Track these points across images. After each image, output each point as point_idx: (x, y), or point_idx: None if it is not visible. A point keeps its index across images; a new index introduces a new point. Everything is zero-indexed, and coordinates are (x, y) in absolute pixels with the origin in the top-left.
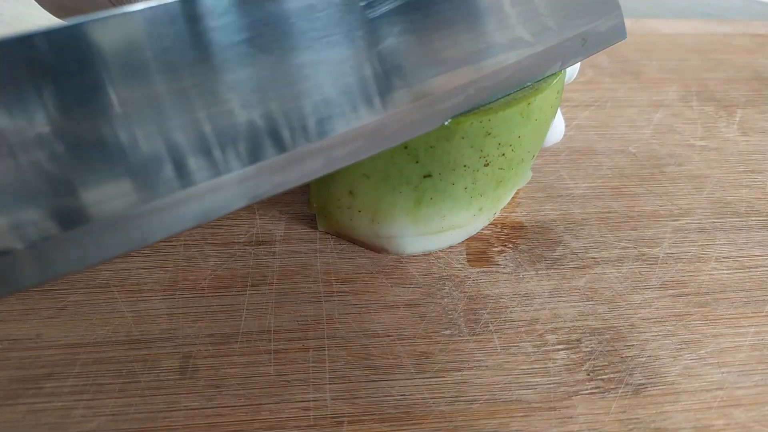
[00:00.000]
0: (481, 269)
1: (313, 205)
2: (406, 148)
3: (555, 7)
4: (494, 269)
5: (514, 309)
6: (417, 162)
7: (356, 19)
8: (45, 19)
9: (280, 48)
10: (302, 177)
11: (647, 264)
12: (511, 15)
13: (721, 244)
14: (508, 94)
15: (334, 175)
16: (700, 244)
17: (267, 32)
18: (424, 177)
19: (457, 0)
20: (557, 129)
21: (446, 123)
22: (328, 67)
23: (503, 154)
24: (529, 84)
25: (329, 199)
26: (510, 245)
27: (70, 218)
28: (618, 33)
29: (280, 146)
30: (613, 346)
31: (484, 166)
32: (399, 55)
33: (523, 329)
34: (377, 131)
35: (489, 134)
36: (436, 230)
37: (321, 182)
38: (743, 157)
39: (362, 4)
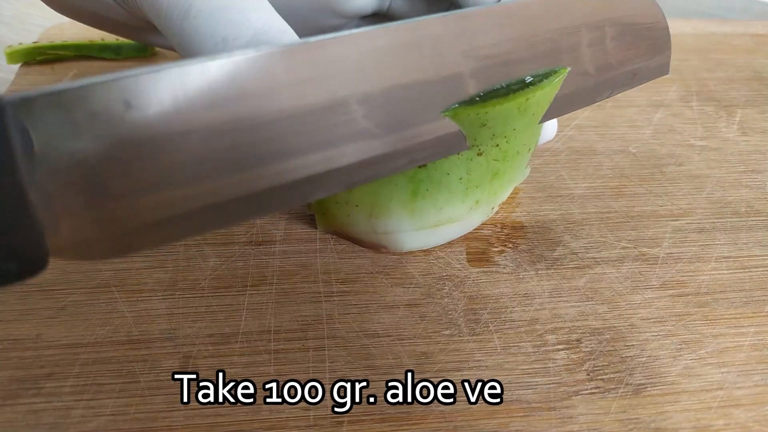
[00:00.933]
0: (481, 269)
1: (312, 205)
2: None
3: (620, 47)
4: (494, 269)
5: (514, 309)
6: None
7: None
8: (44, 19)
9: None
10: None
11: (647, 264)
12: (586, 53)
13: (721, 244)
14: (508, 85)
15: None
16: (700, 244)
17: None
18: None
19: (544, 41)
20: (549, 127)
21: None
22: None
23: (497, 145)
24: (530, 79)
25: None
26: (510, 245)
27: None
28: (663, 69)
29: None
30: (613, 346)
31: (478, 155)
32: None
33: (523, 329)
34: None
35: (484, 125)
36: (433, 224)
37: None
38: (743, 157)
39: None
